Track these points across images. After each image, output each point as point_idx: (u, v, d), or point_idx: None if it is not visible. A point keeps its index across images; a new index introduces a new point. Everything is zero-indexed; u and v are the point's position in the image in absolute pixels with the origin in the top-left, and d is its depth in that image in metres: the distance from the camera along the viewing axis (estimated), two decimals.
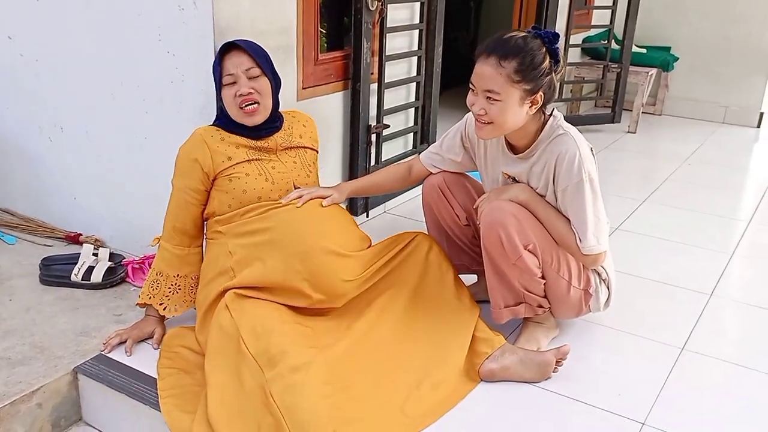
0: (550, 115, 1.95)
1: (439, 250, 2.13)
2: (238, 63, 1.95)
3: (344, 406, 1.67)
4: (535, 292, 2.01)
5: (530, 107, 1.87)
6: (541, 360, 1.94)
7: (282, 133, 2.09)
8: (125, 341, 2.00)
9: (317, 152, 2.22)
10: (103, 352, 1.98)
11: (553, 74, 1.86)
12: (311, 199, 2.00)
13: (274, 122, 2.07)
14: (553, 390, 1.92)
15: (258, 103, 1.97)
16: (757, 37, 5.05)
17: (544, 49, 1.84)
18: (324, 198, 2.03)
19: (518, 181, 2.02)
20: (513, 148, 2.02)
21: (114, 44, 2.34)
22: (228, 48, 1.97)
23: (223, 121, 2.04)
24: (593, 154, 1.95)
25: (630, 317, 2.30)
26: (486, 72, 1.83)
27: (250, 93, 1.95)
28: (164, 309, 2.04)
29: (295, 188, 2.05)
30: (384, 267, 2.05)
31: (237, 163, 1.98)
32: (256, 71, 1.96)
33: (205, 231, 2.08)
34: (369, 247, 2.09)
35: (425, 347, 1.96)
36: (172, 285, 2.02)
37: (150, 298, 2.03)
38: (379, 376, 1.84)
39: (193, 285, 2.05)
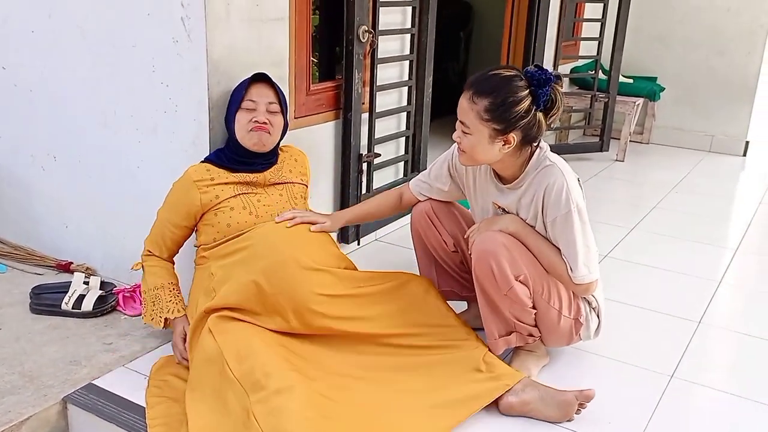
0: (537, 146, 1.98)
1: (437, 292, 2.16)
2: (263, 94, 2.10)
3: (328, 428, 1.67)
4: (525, 321, 2.03)
5: (503, 145, 1.88)
6: (561, 399, 1.88)
7: (273, 168, 2.17)
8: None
9: (306, 186, 2.28)
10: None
11: (538, 115, 1.86)
12: (302, 222, 2.04)
13: (272, 157, 2.17)
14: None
15: (269, 133, 2.10)
16: (741, 68, 5.14)
17: (526, 92, 1.83)
18: (315, 223, 2.06)
19: (508, 212, 2.05)
20: (501, 178, 2.05)
21: (108, 74, 2.37)
22: (257, 78, 2.11)
23: (223, 153, 2.11)
24: (580, 184, 1.98)
25: (619, 345, 2.31)
26: (462, 104, 1.89)
27: (266, 123, 2.08)
28: (172, 312, 2.06)
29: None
30: (374, 296, 2.05)
31: (224, 200, 2.06)
32: (276, 107, 2.12)
33: (194, 258, 2.13)
34: (348, 268, 2.10)
35: (426, 377, 1.94)
36: (171, 291, 2.09)
37: (153, 318, 2.08)
38: (370, 401, 1.83)
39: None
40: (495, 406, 1.91)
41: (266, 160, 2.16)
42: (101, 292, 2.40)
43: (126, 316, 2.36)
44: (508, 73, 1.86)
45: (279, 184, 2.18)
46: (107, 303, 2.37)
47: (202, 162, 2.14)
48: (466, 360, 1.99)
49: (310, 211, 2.17)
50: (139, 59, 2.27)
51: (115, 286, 2.46)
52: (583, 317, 2.07)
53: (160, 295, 2.07)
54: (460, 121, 1.90)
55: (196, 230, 2.12)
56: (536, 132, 1.89)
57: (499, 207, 2.07)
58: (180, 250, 2.18)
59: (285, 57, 2.44)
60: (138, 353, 2.14)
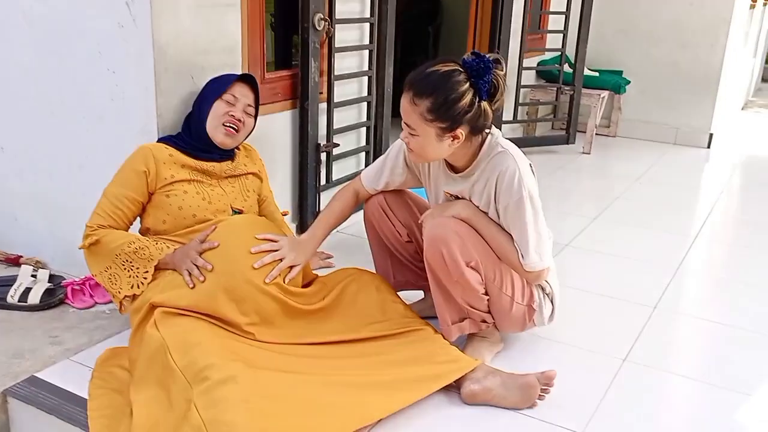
0: (488, 133, 1.96)
1: (387, 286, 2.14)
2: (245, 94, 2.14)
3: (269, 415, 1.62)
4: (478, 307, 2.02)
5: (452, 141, 1.85)
6: (523, 383, 1.87)
7: (230, 162, 2.16)
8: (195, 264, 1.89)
9: (261, 179, 2.26)
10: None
11: (483, 105, 1.81)
12: (278, 272, 1.93)
13: (231, 152, 2.17)
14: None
15: (239, 132, 2.11)
16: (705, 62, 5.20)
17: (467, 85, 1.78)
18: (291, 267, 1.97)
19: (461, 198, 2.03)
20: (453, 168, 2.03)
21: (54, 62, 2.32)
22: (244, 78, 2.16)
23: (181, 139, 2.09)
24: (533, 171, 1.97)
25: (575, 331, 2.31)
26: (404, 106, 1.84)
27: (240, 121, 2.10)
28: (163, 251, 1.94)
29: (235, 211, 2.09)
30: (326, 310, 2.03)
31: (177, 181, 2.01)
32: (252, 111, 2.16)
33: None
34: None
35: (381, 360, 1.91)
36: (124, 262, 1.92)
37: (137, 277, 1.91)
38: (320, 382, 1.78)
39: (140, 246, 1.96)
40: (457, 395, 1.90)
41: (225, 153, 2.15)
42: (49, 285, 2.35)
43: (74, 309, 2.31)
44: (446, 69, 1.80)
45: (233, 176, 2.17)
46: (55, 296, 2.32)
47: (158, 141, 2.11)
48: (423, 345, 1.96)
49: (281, 236, 2.05)
50: (85, 45, 2.22)
51: (65, 279, 2.41)
52: (537, 303, 2.06)
53: (139, 246, 1.92)
54: (405, 123, 1.86)
55: (142, 212, 2.05)
56: (483, 121, 1.85)
57: (451, 195, 2.05)
58: None
59: (237, 44, 2.40)
60: (84, 346, 2.09)
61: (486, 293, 2.00)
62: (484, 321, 2.06)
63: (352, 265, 2.23)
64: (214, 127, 2.08)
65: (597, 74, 5.21)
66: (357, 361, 1.90)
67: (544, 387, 1.88)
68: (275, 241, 1.98)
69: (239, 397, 1.59)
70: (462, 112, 1.79)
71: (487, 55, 1.79)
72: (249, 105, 2.14)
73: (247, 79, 2.17)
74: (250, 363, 1.74)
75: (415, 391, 1.81)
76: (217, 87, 2.11)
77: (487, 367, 1.94)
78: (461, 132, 1.83)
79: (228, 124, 2.08)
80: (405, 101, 1.84)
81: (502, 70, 1.83)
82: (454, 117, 1.79)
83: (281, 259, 1.95)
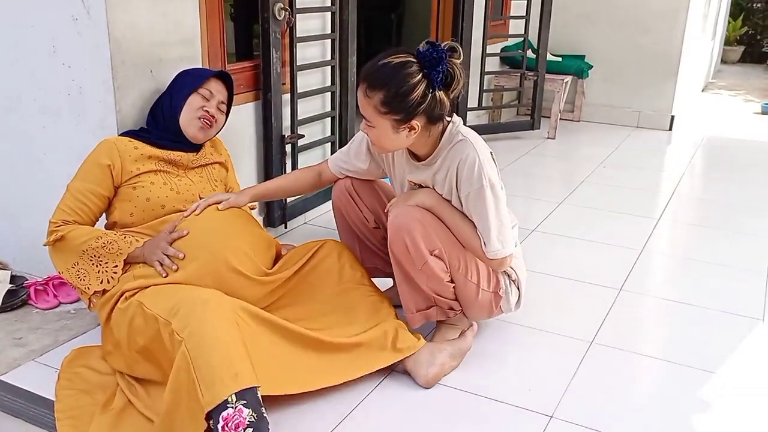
0: (450, 121, 1.95)
1: (350, 254, 2.13)
2: (220, 91, 2.15)
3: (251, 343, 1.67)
4: (444, 295, 2.03)
5: (408, 132, 1.84)
6: (464, 346, 2.02)
7: (197, 153, 2.14)
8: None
9: (226, 169, 2.25)
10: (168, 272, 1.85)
11: (438, 95, 1.79)
12: (208, 205, 1.98)
13: (199, 144, 2.16)
14: (465, 389, 1.93)
15: (212, 128, 2.12)
16: (665, 45, 5.27)
17: (419, 76, 1.76)
18: (220, 202, 2.01)
19: (424, 187, 2.03)
20: (416, 156, 2.03)
21: (8, 57, 2.25)
22: (220, 75, 2.17)
23: (146, 132, 2.07)
24: (494, 158, 1.98)
25: (542, 315, 2.34)
26: (359, 98, 1.83)
27: (213, 117, 2.11)
28: (133, 244, 1.90)
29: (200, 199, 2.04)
30: (293, 276, 2.03)
31: (143, 173, 1.98)
32: (224, 108, 2.18)
33: None
34: (276, 251, 2.10)
35: (340, 327, 1.94)
36: (92, 257, 1.88)
37: (94, 284, 1.87)
38: (289, 336, 1.83)
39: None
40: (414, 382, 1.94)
41: (193, 144, 2.13)
42: (11, 286, 2.30)
43: (38, 310, 2.26)
44: (399, 60, 1.77)
45: (201, 167, 2.14)
46: (18, 297, 2.27)
47: (121, 135, 2.07)
48: (377, 330, 1.97)
49: (217, 193, 2.10)
50: (39, 39, 2.16)
51: (27, 279, 2.36)
52: (503, 290, 2.08)
53: (107, 240, 1.87)
54: (362, 115, 1.86)
55: (109, 206, 2.00)
56: (440, 110, 1.84)
57: (415, 184, 2.05)
58: None
59: (196, 35, 2.36)
60: (49, 347, 2.05)
61: (451, 281, 2.01)
62: (451, 308, 2.07)
63: None
64: (188, 120, 2.07)
65: (560, 59, 5.25)
66: (314, 324, 1.93)
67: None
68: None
69: (213, 313, 1.62)
70: (415, 103, 1.78)
71: (443, 44, 1.78)
72: (222, 102, 2.15)
73: (223, 77, 2.17)
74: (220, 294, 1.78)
75: (362, 369, 1.90)
76: (192, 80, 2.10)
77: (430, 346, 1.99)
78: (416, 123, 1.82)
79: (203, 119, 2.07)
80: (360, 93, 1.83)
81: (458, 59, 1.80)
82: (407, 109, 1.78)
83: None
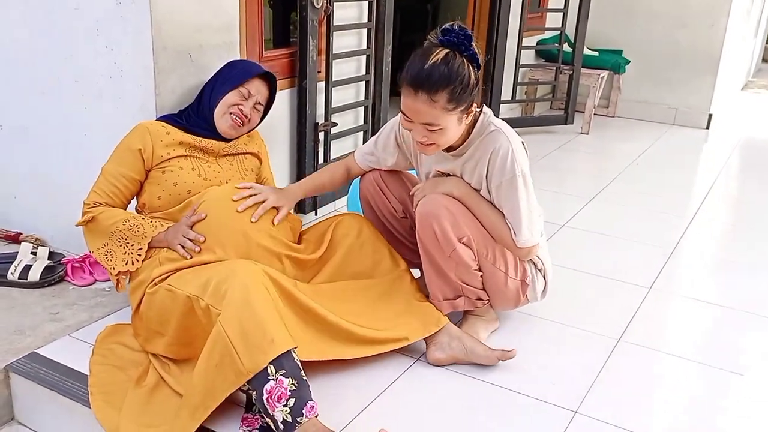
0: (480, 111, 1.96)
1: (369, 228, 2.14)
2: (261, 91, 2.14)
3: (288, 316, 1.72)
4: (472, 284, 2.04)
5: (467, 117, 1.88)
6: (485, 357, 1.98)
7: (229, 142, 2.14)
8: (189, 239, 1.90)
9: (260, 160, 2.25)
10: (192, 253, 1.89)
11: (478, 73, 1.84)
12: (263, 211, 1.97)
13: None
14: (489, 381, 1.94)
15: (243, 126, 2.12)
16: (705, 41, 5.18)
17: (465, 62, 1.79)
18: (273, 208, 2.01)
19: (452, 176, 2.04)
20: (446, 147, 2.03)
21: (52, 39, 2.31)
22: (263, 75, 2.14)
23: (182, 118, 2.09)
24: (525, 149, 1.98)
25: (570, 310, 2.33)
26: (419, 108, 1.81)
27: (246, 116, 2.11)
28: (157, 228, 1.94)
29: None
30: (315, 251, 2.06)
31: (173, 158, 2.02)
32: (261, 108, 2.17)
33: None
34: (294, 228, 2.13)
35: (366, 318, 1.96)
36: (120, 239, 1.93)
37: (131, 254, 1.91)
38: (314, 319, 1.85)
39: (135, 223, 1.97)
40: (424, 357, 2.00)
41: (219, 135, 2.14)
42: (49, 262, 2.36)
43: (74, 286, 2.32)
44: (441, 56, 1.78)
45: (232, 155, 2.16)
46: (55, 273, 2.33)
47: (157, 119, 2.11)
48: (397, 299, 2.03)
49: (268, 187, 2.10)
50: (83, 22, 2.21)
51: (64, 257, 2.42)
52: (530, 278, 2.08)
53: (134, 223, 1.92)
54: (423, 124, 1.83)
55: (141, 188, 2.05)
56: (479, 88, 1.88)
57: (442, 173, 2.06)
58: None
59: (235, 22, 2.39)
60: (84, 323, 2.11)
61: (479, 269, 2.02)
62: (479, 299, 2.08)
63: None
64: (221, 115, 2.08)
65: (596, 54, 5.20)
66: (341, 305, 1.95)
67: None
68: (252, 188, 2.02)
69: (239, 289, 1.64)
70: (473, 87, 1.82)
71: (451, 25, 1.80)
72: (260, 103, 2.14)
73: (267, 77, 2.16)
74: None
75: (382, 348, 1.93)
76: (236, 76, 2.10)
77: (452, 331, 2.01)
78: (474, 106, 1.87)
79: (234, 116, 2.08)
80: (419, 103, 1.79)
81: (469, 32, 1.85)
82: (470, 96, 1.82)
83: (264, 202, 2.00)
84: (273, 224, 1.98)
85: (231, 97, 2.08)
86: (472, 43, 1.80)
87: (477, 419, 1.79)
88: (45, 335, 2.03)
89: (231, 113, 2.08)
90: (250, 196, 1.98)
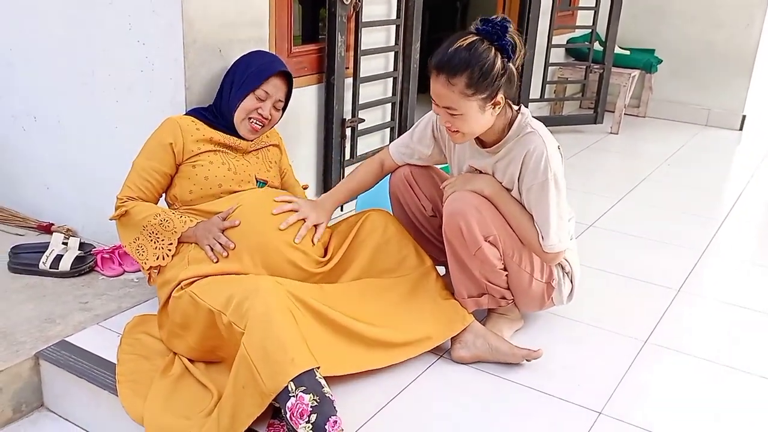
0: (518, 111, 1.95)
1: (394, 221, 2.14)
2: (279, 89, 2.11)
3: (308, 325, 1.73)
4: (497, 283, 2.02)
5: (493, 108, 1.86)
6: (510, 355, 1.97)
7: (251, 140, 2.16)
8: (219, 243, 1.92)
9: (280, 150, 2.28)
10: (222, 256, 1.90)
11: (510, 66, 1.82)
12: (306, 231, 1.98)
13: None
14: (513, 380, 1.93)
15: (264, 127, 2.13)
16: (740, 42, 5.08)
17: (492, 50, 1.78)
18: (313, 225, 2.02)
19: (484, 173, 2.03)
20: (482, 142, 2.03)
21: (85, 33, 2.35)
22: (281, 72, 2.11)
23: (209, 113, 2.11)
24: (560, 152, 1.96)
25: (597, 311, 2.31)
26: (439, 90, 1.82)
27: (267, 118, 2.10)
28: (186, 223, 1.95)
29: (259, 182, 2.09)
30: (340, 250, 2.06)
31: (203, 152, 2.04)
32: (281, 105, 2.15)
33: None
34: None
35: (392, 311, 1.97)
36: (150, 234, 1.95)
37: (161, 246, 1.94)
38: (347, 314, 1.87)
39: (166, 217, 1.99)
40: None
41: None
42: (80, 252, 2.40)
43: (104, 277, 2.36)
44: (469, 41, 1.78)
45: (257, 150, 2.19)
46: (85, 263, 2.37)
47: (186, 114, 2.13)
48: (423, 297, 2.03)
49: (298, 198, 2.11)
50: (116, 17, 2.24)
51: (94, 247, 2.46)
52: (555, 281, 2.07)
53: (164, 218, 1.95)
54: (444, 108, 1.84)
55: (171, 182, 2.07)
56: (514, 82, 1.86)
57: (475, 169, 2.05)
58: None
59: (265, 17, 2.41)
60: (113, 312, 2.14)
61: (504, 269, 2.01)
62: (503, 297, 2.07)
63: None
64: (241, 120, 2.09)
65: (628, 52, 5.13)
66: (366, 307, 1.95)
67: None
68: (292, 202, 2.02)
69: (263, 299, 1.66)
70: (498, 76, 1.80)
71: (495, 17, 1.80)
72: (279, 100, 2.13)
73: (284, 73, 2.14)
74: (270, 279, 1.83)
75: (409, 352, 1.93)
76: (253, 78, 2.07)
77: (477, 329, 2.00)
78: (500, 97, 1.85)
79: (254, 122, 2.09)
80: (438, 85, 1.82)
81: (514, 26, 1.83)
82: (492, 84, 1.80)
83: (304, 219, 2.00)
84: (313, 243, 1.99)
85: (249, 102, 2.07)
86: (507, 34, 1.79)
87: (500, 418, 1.78)
88: (75, 324, 2.07)
89: (251, 118, 2.09)
90: (290, 210, 1.99)
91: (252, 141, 2.16)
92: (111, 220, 2.03)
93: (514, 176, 1.94)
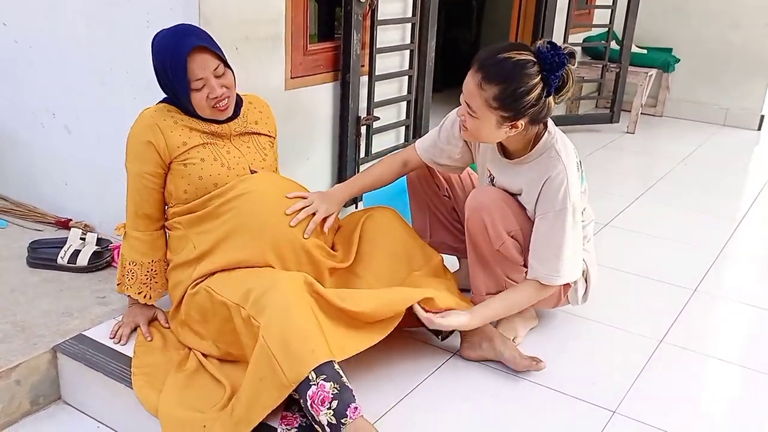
0: (546, 129, 1.91)
1: (400, 220, 2.13)
2: (205, 65, 1.87)
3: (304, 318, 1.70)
4: (516, 279, 2.02)
5: (509, 129, 1.82)
6: (512, 362, 1.94)
7: (237, 120, 2.03)
8: (134, 328, 2.00)
9: (273, 138, 2.17)
10: (116, 344, 1.97)
11: (548, 101, 1.77)
12: (314, 225, 1.95)
13: (236, 109, 2.02)
14: (527, 378, 1.93)
15: (229, 97, 1.94)
16: (758, 42, 5.03)
17: (537, 78, 1.73)
18: (323, 217, 1.99)
19: (495, 184, 2.03)
20: (504, 150, 2.00)
21: (104, 30, 2.37)
22: (192, 49, 1.85)
23: (181, 103, 1.95)
24: (581, 168, 1.95)
25: (612, 310, 2.30)
26: (469, 87, 1.80)
27: (223, 94, 1.90)
28: (144, 297, 2.00)
29: (252, 171, 2.00)
30: (350, 251, 2.06)
31: (191, 148, 1.92)
32: (222, 68, 1.90)
33: (166, 216, 2.04)
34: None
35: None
36: (148, 272, 1.98)
37: (128, 288, 1.99)
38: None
39: (165, 267, 2.02)
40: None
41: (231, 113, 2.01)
42: (97, 248, 2.42)
43: None
44: (521, 58, 1.73)
45: (245, 134, 2.05)
46: (103, 258, 2.40)
47: (159, 102, 1.98)
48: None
49: (307, 192, 2.06)
50: (134, 15, 2.26)
51: (111, 243, 2.49)
52: None
53: (134, 271, 1.97)
54: (467, 103, 1.82)
55: (166, 179, 1.97)
56: (545, 114, 1.82)
57: (491, 174, 2.05)
58: None
59: (281, 14, 2.42)
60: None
61: (524, 264, 2.00)
62: None
63: None
64: (209, 114, 1.95)
65: (645, 52, 5.09)
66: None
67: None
68: (305, 198, 1.99)
69: (281, 295, 1.67)
70: (528, 105, 1.75)
71: (563, 48, 1.73)
72: (215, 68, 1.88)
73: (195, 48, 1.86)
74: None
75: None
76: (177, 79, 1.87)
77: (487, 331, 1.98)
78: (521, 123, 1.80)
79: (216, 104, 1.91)
80: (472, 83, 1.78)
81: (574, 64, 1.76)
82: (518, 109, 1.76)
83: (314, 213, 1.97)
84: (323, 232, 1.98)
85: (196, 97, 1.89)
86: (562, 71, 1.73)
87: (513, 416, 1.78)
88: (92, 318, 2.09)
89: (212, 106, 1.91)
90: (302, 208, 1.95)
91: (237, 120, 2.02)
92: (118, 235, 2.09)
93: (528, 193, 1.92)
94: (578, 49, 4.96)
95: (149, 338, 1.95)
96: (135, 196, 1.96)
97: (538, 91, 1.74)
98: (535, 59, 1.74)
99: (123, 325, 2.01)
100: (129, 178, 1.97)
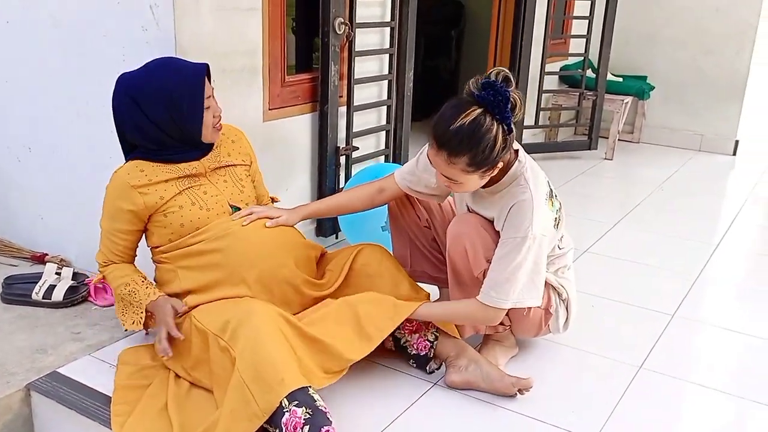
0: (516, 156, 1.91)
1: (389, 257, 2.15)
2: (208, 87, 1.98)
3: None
4: None
5: (492, 171, 1.83)
6: (501, 386, 1.94)
7: (210, 155, 2.05)
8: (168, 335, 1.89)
9: (249, 165, 2.17)
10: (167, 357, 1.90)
11: (511, 137, 1.79)
12: (258, 218, 2.00)
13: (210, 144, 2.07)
14: (506, 407, 1.91)
15: (221, 116, 2.05)
16: (730, 68, 5.14)
17: (495, 127, 1.73)
18: (271, 218, 2.02)
19: (471, 209, 2.04)
20: None
21: (80, 64, 2.37)
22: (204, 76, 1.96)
23: (149, 151, 1.99)
24: (553, 197, 1.96)
25: (591, 337, 2.30)
26: (439, 163, 1.81)
27: (220, 112, 2.04)
28: (149, 296, 1.94)
29: (234, 208, 2.03)
30: (337, 281, 2.08)
31: (169, 200, 1.95)
32: (211, 90, 2.01)
33: (150, 256, 2.06)
34: (317, 253, 2.16)
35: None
36: (144, 280, 2.00)
37: (134, 321, 1.96)
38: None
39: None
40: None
41: (202, 147, 2.04)
42: (73, 282, 2.40)
43: (96, 307, 2.35)
44: (472, 117, 1.72)
45: (220, 168, 2.06)
46: (78, 293, 2.37)
47: (129, 161, 2.01)
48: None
49: (269, 206, 2.14)
50: (110, 48, 2.27)
51: (88, 277, 2.46)
52: (553, 308, 2.06)
53: (132, 289, 1.96)
54: (445, 176, 1.84)
55: (146, 231, 2.01)
56: (511, 141, 1.83)
57: (468, 207, 2.06)
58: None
59: (258, 47, 2.44)
60: (105, 343, 2.14)
61: None
62: (501, 323, 2.05)
63: None
64: (209, 135, 2.01)
65: (621, 80, 5.18)
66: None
67: (520, 390, 1.94)
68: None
69: (257, 322, 1.71)
70: (498, 151, 1.77)
71: (497, 80, 1.74)
72: (212, 90, 2.01)
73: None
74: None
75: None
76: (196, 101, 1.94)
77: (471, 354, 1.99)
78: (500, 164, 1.83)
79: (216, 123, 2.02)
80: (441, 161, 1.79)
81: (514, 85, 1.78)
82: (493, 159, 1.78)
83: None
84: (265, 226, 2.00)
85: (207, 115, 1.97)
86: (509, 105, 1.73)
87: None
88: (66, 354, 2.06)
89: (213, 125, 2.01)
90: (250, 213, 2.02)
91: (210, 155, 2.05)
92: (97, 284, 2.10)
93: (500, 224, 1.92)
94: (555, 77, 5.04)
95: (182, 338, 1.86)
96: (107, 252, 2.01)
97: (500, 135, 1.75)
98: (482, 108, 1.74)
99: (160, 340, 1.87)
100: (102, 234, 2.00)
